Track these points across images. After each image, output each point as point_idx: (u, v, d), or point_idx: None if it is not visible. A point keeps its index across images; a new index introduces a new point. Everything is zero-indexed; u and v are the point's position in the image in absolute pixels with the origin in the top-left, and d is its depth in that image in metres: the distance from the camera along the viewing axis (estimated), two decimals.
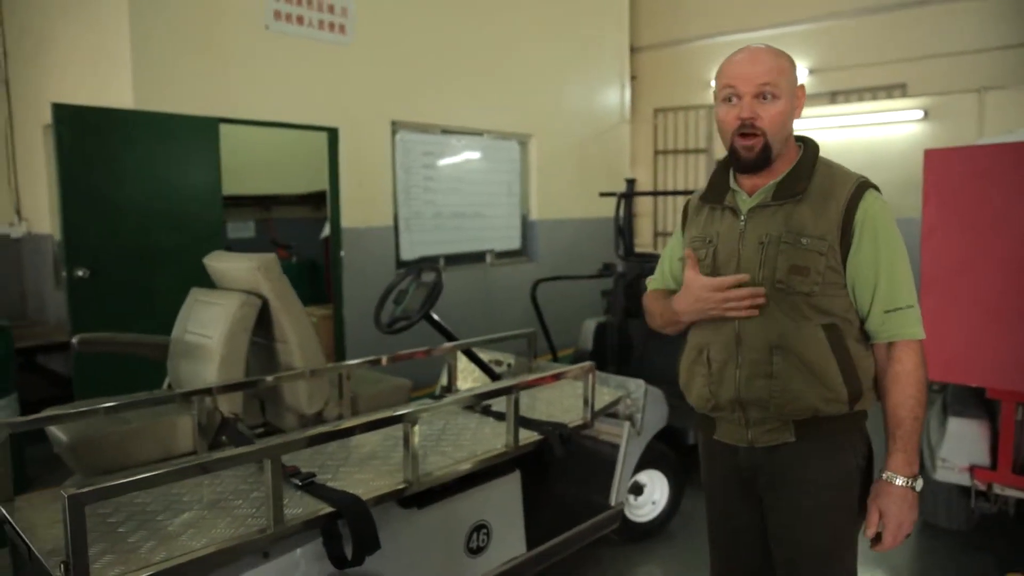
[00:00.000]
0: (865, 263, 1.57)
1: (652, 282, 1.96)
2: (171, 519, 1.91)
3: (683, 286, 1.70)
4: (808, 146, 1.69)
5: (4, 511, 1.96)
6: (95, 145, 4.32)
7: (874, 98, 7.77)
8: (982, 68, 7.18)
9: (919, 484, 1.58)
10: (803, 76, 8.24)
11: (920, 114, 6.91)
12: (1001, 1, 7.09)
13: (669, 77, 9.19)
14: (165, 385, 3.12)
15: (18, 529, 1.87)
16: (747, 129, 1.57)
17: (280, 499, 1.83)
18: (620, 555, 3.38)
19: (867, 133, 7.26)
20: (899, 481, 1.57)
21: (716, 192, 1.74)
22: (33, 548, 1.76)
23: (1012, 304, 2.82)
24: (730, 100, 1.59)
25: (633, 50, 9.23)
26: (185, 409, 2.66)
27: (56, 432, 2.55)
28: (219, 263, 3.03)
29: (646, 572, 3.29)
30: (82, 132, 4.27)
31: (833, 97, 8.14)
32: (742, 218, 1.66)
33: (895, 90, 7.73)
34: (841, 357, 1.57)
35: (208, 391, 2.59)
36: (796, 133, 1.70)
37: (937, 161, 3.04)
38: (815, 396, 1.58)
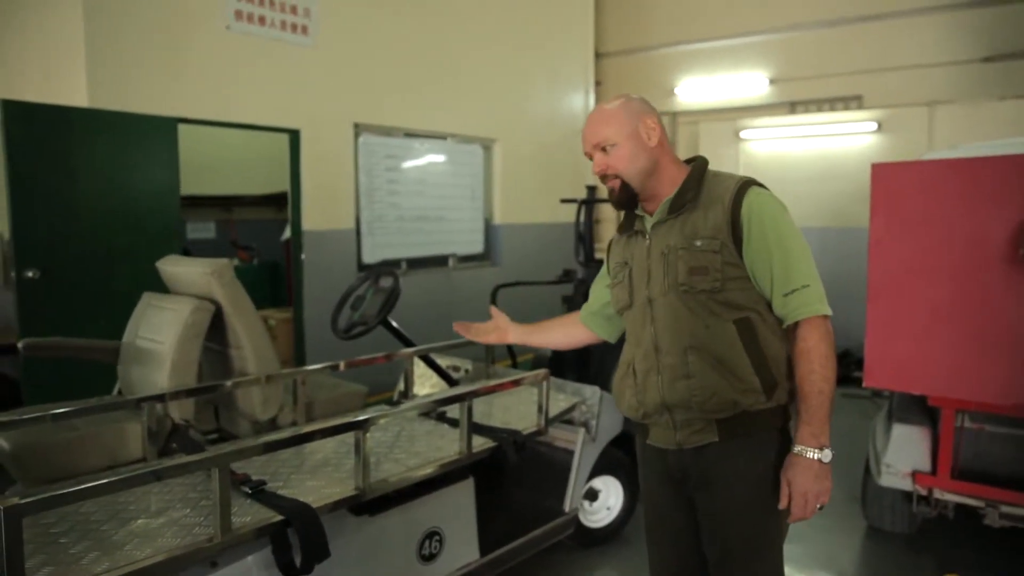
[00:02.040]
0: (758, 253, 1.66)
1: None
2: (116, 529, 1.88)
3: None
4: (697, 163, 1.82)
5: None
6: (48, 143, 4.23)
7: (832, 109, 7.96)
8: (933, 82, 7.42)
9: (827, 456, 1.63)
10: (764, 86, 8.41)
11: (874, 126, 7.08)
12: (953, 18, 7.33)
13: (633, 83, 9.28)
14: (116, 391, 3.07)
15: None
16: (605, 177, 1.79)
17: (228, 507, 1.82)
18: (575, 561, 3.40)
19: (824, 144, 7.42)
20: (804, 452, 1.63)
21: (628, 223, 1.90)
22: None
23: (951, 316, 2.92)
24: (591, 157, 1.82)
25: (598, 56, 9.31)
26: (135, 416, 2.62)
27: None
28: (172, 267, 3.00)
29: None
30: (33, 130, 4.18)
31: (792, 107, 8.31)
32: (647, 236, 1.80)
33: (851, 102, 7.93)
34: (751, 349, 1.66)
35: (159, 397, 2.57)
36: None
37: (884, 175, 3.13)
38: (731, 389, 1.66)
